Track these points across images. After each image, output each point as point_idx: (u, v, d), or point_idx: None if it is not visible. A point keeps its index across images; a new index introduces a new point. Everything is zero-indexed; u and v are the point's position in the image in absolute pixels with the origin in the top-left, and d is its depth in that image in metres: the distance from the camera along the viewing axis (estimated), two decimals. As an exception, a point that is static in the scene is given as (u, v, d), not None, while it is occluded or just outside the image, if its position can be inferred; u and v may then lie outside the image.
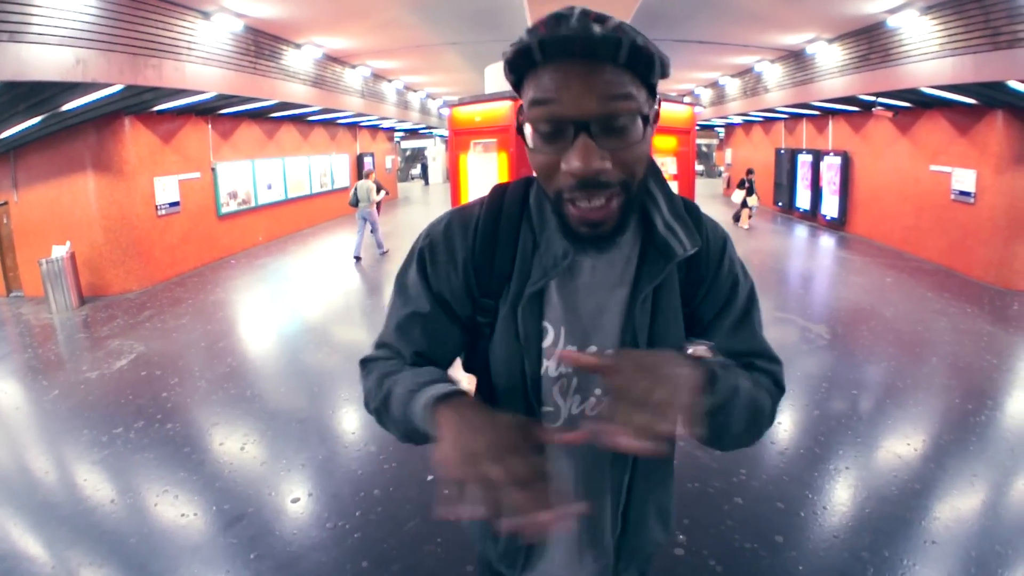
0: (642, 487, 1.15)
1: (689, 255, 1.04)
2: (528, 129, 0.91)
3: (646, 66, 0.87)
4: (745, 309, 1.13)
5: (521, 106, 0.93)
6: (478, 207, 1.12)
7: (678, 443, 1.23)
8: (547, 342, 1.06)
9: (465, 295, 1.09)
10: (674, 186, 8.70)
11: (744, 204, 14.54)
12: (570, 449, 1.10)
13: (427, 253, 1.11)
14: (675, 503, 1.28)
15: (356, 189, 11.86)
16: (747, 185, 14.30)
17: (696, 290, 1.11)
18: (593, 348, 1.06)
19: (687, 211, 1.10)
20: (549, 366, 1.07)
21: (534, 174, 0.97)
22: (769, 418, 1.08)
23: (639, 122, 0.88)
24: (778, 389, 1.13)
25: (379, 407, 1.06)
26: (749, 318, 1.14)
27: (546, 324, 1.06)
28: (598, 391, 1.08)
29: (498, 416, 0.85)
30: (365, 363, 1.14)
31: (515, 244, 1.07)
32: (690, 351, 0.98)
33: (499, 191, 1.13)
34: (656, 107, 0.96)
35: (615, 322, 1.06)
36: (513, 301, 1.05)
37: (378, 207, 12.22)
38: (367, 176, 12.23)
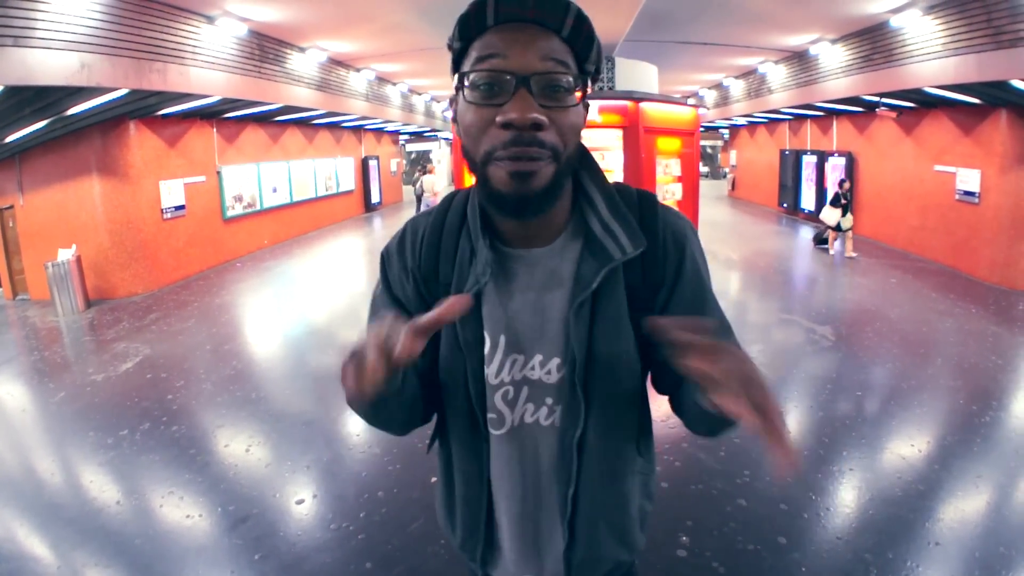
0: (587, 501, 1.10)
1: (638, 256, 1.01)
2: (466, 88, 0.91)
3: (585, 45, 0.92)
4: (720, 314, 1.10)
5: (459, 73, 0.94)
6: (428, 217, 1.13)
7: (648, 456, 1.21)
8: (487, 350, 1.05)
9: (420, 304, 1.10)
10: (678, 188, 8.77)
11: (838, 227, 11.14)
12: (515, 456, 1.10)
13: (385, 263, 1.15)
14: (635, 520, 1.20)
15: (421, 182, 15.19)
16: (843, 202, 11.00)
17: (654, 295, 1.06)
18: (539, 357, 1.04)
19: (641, 206, 1.07)
20: (489, 373, 1.06)
21: (460, 141, 0.96)
22: None
23: (576, 92, 0.91)
24: None
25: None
26: (724, 320, 1.10)
27: (485, 333, 1.04)
28: (549, 400, 1.06)
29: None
30: None
31: (456, 252, 1.07)
32: None
33: (449, 198, 1.14)
34: (587, 99, 0.97)
35: (558, 331, 1.03)
36: None
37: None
38: (429, 171, 15.56)
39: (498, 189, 0.92)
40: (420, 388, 1.10)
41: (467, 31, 0.92)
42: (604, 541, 1.14)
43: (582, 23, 0.90)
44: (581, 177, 1.04)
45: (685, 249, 1.06)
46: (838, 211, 10.98)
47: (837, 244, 11.52)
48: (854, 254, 11.07)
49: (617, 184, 1.10)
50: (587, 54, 0.93)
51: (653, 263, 1.04)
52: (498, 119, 0.87)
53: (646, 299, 1.05)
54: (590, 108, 0.97)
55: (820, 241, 12.06)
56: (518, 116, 0.86)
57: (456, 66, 0.96)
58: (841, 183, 11.34)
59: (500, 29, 0.90)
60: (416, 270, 1.10)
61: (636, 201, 1.08)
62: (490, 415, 1.08)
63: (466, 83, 0.91)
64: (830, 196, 11.80)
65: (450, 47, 0.96)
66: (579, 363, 1.01)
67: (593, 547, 1.13)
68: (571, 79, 0.90)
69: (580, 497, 1.09)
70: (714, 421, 0.91)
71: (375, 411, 0.99)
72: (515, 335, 1.04)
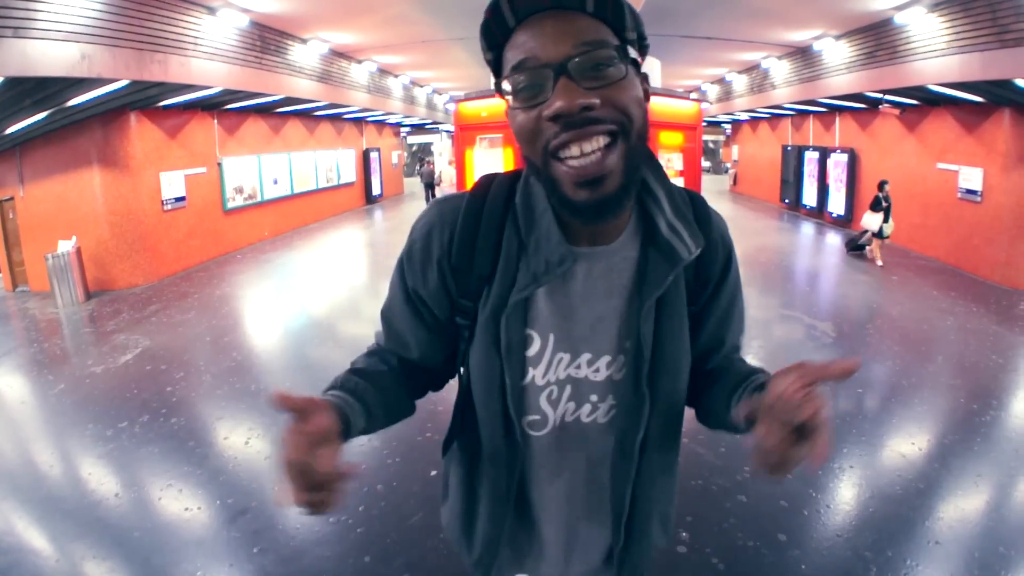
0: (646, 497, 1.08)
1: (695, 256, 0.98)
2: (509, 97, 0.87)
3: (615, 14, 0.85)
4: (740, 313, 1.14)
5: (498, 86, 0.90)
6: (461, 201, 1.04)
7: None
8: (532, 351, 1.00)
9: (443, 295, 1.05)
10: (680, 182, 8.65)
11: (880, 233, 10.18)
12: (556, 456, 1.07)
13: (407, 249, 1.07)
14: (676, 503, 1.24)
15: (441, 173, 17.97)
16: (884, 205, 10.08)
17: (702, 291, 1.06)
18: (587, 356, 1.00)
19: (692, 204, 1.05)
20: (536, 375, 1.01)
21: (520, 151, 0.91)
22: None
23: (621, 65, 0.84)
24: None
25: None
26: (740, 321, 1.15)
27: (531, 332, 0.99)
28: (594, 397, 1.03)
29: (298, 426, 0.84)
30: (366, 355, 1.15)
31: (498, 244, 1.00)
32: None
33: (485, 183, 1.06)
34: (640, 60, 0.90)
35: (612, 330, 1.00)
36: (495, 308, 0.98)
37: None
38: (428, 165, 19.35)
39: (569, 197, 0.86)
40: (400, 382, 1.09)
41: (493, 39, 0.89)
42: (655, 533, 1.16)
43: None
44: (643, 173, 0.99)
45: (732, 251, 1.09)
46: (879, 216, 10.06)
47: (875, 253, 10.45)
48: (880, 262, 10.25)
49: (671, 183, 1.07)
50: (621, 23, 0.86)
51: (704, 262, 1.04)
52: (545, 114, 0.82)
53: (693, 296, 1.05)
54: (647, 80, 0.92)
55: (854, 247, 11.13)
56: (564, 104, 0.80)
57: (496, 73, 0.92)
58: (881, 185, 10.28)
59: (524, 27, 0.85)
60: (444, 258, 1.02)
61: (689, 200, 1.05)
62: (532, 417, 1.04)
63: (507, 91, 0.87)
64: (829, 187, 11.47)
65: (485, 58, 0.92)
66: (646, 362, 0.98)
67: (645, 541, 1.13)
68: (612, 52, 0.83)
69: (638, 494, 1.07)
70: (734, 429, 0.92)
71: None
72: (565, 333, 1.00)
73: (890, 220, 10.10)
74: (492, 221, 1.01)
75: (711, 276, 1.05)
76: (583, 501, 1.10)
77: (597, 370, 1.01)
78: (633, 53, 0.88)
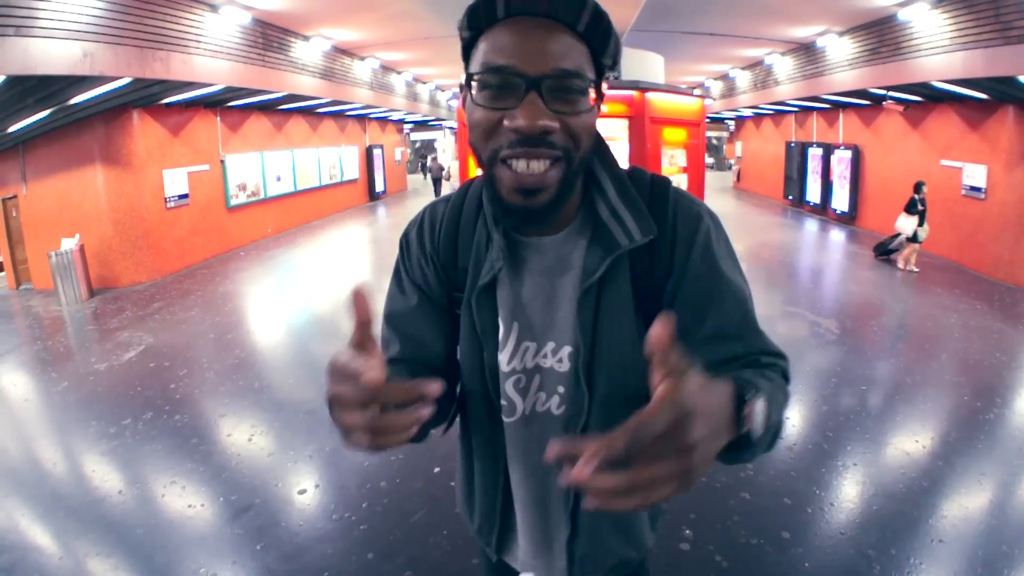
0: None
1: (646, 244, 0.96)
2: (475, 86, 0.88)
3: (602, 40, 0.88)
4: (735, 305, 0.98)
5: (469, 66, 0.91)
6: (446, 204, 1.13)
7: None
8: (500, 336, 1.05)
9: (440, 289, 1.11)
10: (683, 179, 8.72)
11: (915, 237, 9.44)
12: (527, 445, 1.10)
13: (404, 248, 1.15)
14: (643, 519, 1.18)
15: (449, 168, 17.94)
16: (920, 208, 9.39)
17: (662, 285, 0.99)
18: (551, 345, 1.03)
19: (652, 191, 1.02)
20: (502, 360, 1.05)
21: (468, 138, 0.93)
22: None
23: (589, 94, 0.88)
24: (787, 383, 0.97)
25: None
26: (745, 316, 0.98)
27: (499, 319, 1.05)
28: (561, 388, 1.04)
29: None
30: None
31: (474, 240, 1.07)
32: (745, 411, 0.71)
33: (466, 186, 1.12)
34: (603, 91, 0.93)
35: (569, 319, 1.01)
36: (468, 294, 1.05)
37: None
38: (432, 160, 21.85)
39: (504, 198, 0.90)
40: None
41: (476, 21, 0.89)
42: (608, 537, 1.13)
43: (599, 18, 0.86)
44: (591, 161, 1.00)
45: (695, 237, 0.98)
46: (914, 219, 9.32)
47: (909, 258, 9.57)
48: (915, 268, 9.50)
49: (632, 168, 1.06)
50: (604, 48, 0.89)
51: (661, 252, 0.98)
52: (506, 123, 0.84)
53: (653, 290, 1.00)
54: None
55: (884, 252, 10.23)
56: (526, 124, 0.83)
57: (466, 52, 0.93)
58: (917, 186, 9.51)
59: (511, 23, 0.86)
60: (435, 256, 1.10)
61: (648, 185, 1.03)
62: (502, 402, 1.08)
63: (475, 81, 0.88)
64: (833, 184, 11.06)
65: (460, 34, 0.93)
66: (583, 352, 0.99)
67: (596, 542, 1.12)
68: (585, 82, 0.86)
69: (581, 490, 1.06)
70: None
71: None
72: (528, 322, 1.04)
73: (925, 224, 9.39)
74: (470, 219, 1.08)
75: (671, 268, 0.98)
76: (545, 492, 1.13)
77: (560, 360, 1.04)
78: (600, 84, 0.92)
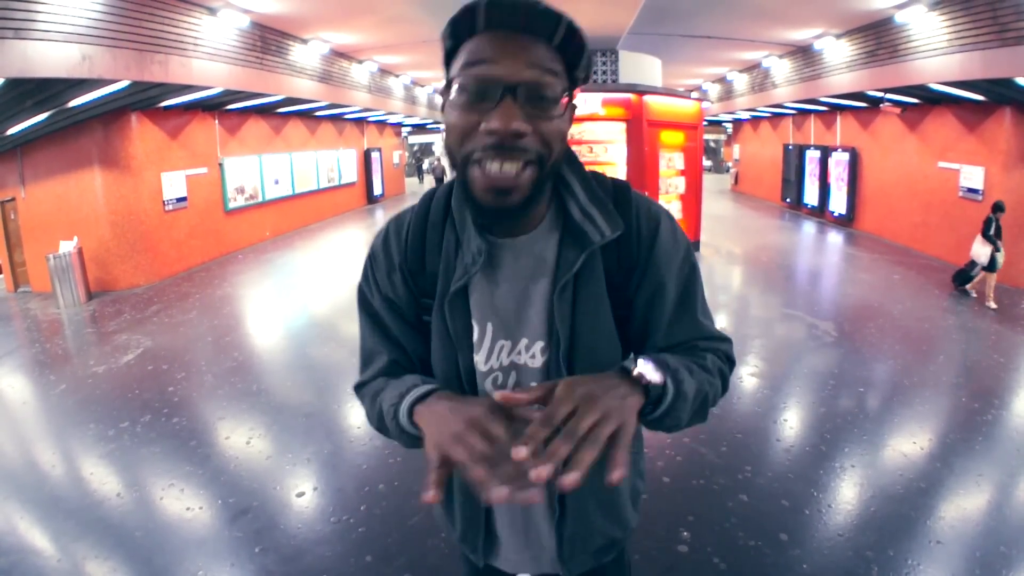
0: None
1: (614, 240, 1.04)
2: (454, 90, 0.93)
3: (575, 54, 0.93)
4: (683, 296, 1.10)
5: (449, 71, 0.97)
6: (410, 213, 1.16)
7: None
8: (475, 338, 1.08)
9: (409, 298, 1.14)
10: (681, 181, 8.73)
11: (991, 264, 7.79)
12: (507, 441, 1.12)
13: (371, 264, 1.18)
14: (626, 498, 1.25)
15: (445, 168, 19.96)
16: (994, 230, 7.83)
17: (629, 277, 1.09)
18: (524, 341, 1.08)
19: (615, 192, 1.10)
20: (479, 360, 1.09)
21: (445, 138, 0.98)
22: (719, 395, 1.09)
23: (562, 102, 0.93)
24: (729, 363, 1.13)
25: (379, 426, 1.14)
26: (689, 305, 1.11)
27: (472, 321, 1.08)
28: (535, 384, 1.06)
29: (463, 401, 0.91)
30: (358, 389, 1.21)
31: (441, 244, 1.10)
32: (635, 372, 0.90)
33: (428, 196, 1.16)
34: (574, 103, 0.99)
35: (541, 315, 1.06)
36: (440, 299, 1.08)
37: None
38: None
39: (477, 198, 0.94)
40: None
41: (457, 31, 0.93)
42: (594, 517, 1.19)
43: (573, 34, 0.91)
44: (559, 163, 1.05)
45: (657, 233, 1.09)
46: (988, 247, 7.82)
47: (988, 293, 7.86)
48: (993, 305, 7.74)
49: (592, 171, 1.13)
50: (577, 61, 0.94)
51: (627, 247, 1.07)
52: (482, 126, 0.89)
53: (621, 282, 1.09)
54: (590, 102, 0.98)
55: (963, 280, 8.48)
56: (501, 125, 0.87)
57: (447, 59, 0.98)
58: (996, 206, 7.94)
59: (491, 34, 0.91)
60: (403, 264, 1.13)
61: (611, 187, 1.11)
62: None
63: (454, 85, 0.93)
64: (831, 186, 10.68)
65: (443, 43, 0.97)
66: (563, 345, 1.04)
67: (583, 522, 1.17)
68: (557, 91, 0.92)
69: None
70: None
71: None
72: (502, 321, 1.08)
73: (1001, 248, 7.83)
74: (436, 225, 1.11)
75: (636, 261, 1.08)
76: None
77: (533, 356, 1.08)
78: (572, 92, 0.97)
